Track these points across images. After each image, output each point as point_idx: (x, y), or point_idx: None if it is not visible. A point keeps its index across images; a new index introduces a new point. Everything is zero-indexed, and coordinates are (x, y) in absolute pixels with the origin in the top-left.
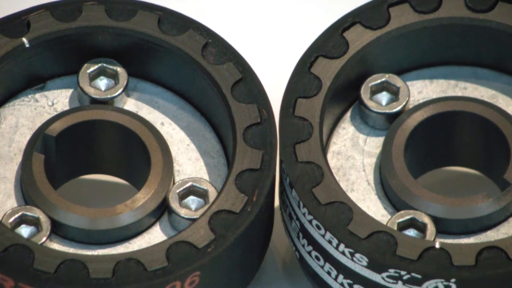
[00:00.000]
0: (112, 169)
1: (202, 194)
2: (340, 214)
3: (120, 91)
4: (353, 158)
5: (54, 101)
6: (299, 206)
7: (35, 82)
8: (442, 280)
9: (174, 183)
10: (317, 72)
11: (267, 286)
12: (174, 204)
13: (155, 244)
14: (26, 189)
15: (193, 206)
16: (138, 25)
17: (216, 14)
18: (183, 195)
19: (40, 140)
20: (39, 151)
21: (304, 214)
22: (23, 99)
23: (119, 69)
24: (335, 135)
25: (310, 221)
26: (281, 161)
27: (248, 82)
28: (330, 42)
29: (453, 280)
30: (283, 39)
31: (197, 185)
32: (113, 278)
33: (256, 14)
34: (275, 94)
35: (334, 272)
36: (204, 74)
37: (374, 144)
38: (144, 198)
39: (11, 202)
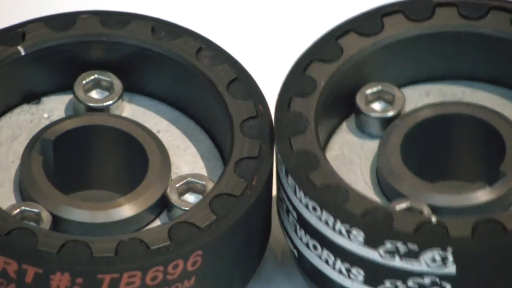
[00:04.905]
0: (110, 182)
1: (200, 190)
2: (336, 194)
3: (115, 98)
4: (350, 163)
5: (50, 114)
6: (295, 193)
7: (31, 98)
8: (439, 250)
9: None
10: (312, 74)
11: (267, 283)
12: (173, 197)
13: (157, 226)
14: (25, 187)
15: (192, 201)
16: (132, 33)
17: (211, 24)
18: (182, 191)
19: (39, 144)
20: (37, 153)
21: (300, 200)
22: (20, 112)
23: (114, 80)
24: (332, 143)
25: (306, 205)
26: (277, 155)
27: (243, 81)
28: (325, 48)
29: (450, 250)
30: (278, 48)
31: (196, 180)
32: (116, 256)
33: (251, 23)
34: (270, 101)
35: (331, 259)
36: (200, 75)
37: (371, 148)
38: (144, 191)
39: (10, 203)
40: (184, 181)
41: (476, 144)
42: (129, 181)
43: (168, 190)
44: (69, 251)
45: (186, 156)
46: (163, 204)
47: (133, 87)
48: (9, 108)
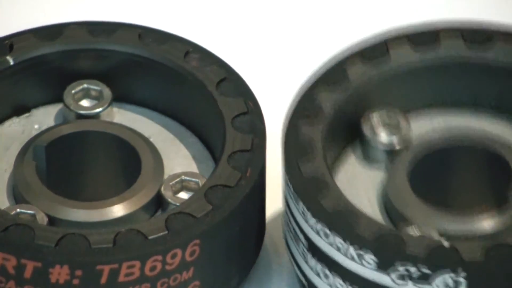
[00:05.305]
0: (104, 187)
1: (194, 188)
2: (348, 219)
3: (105, 105)
4: (356, 191)
5: (41, 125)
6: (306, 219)
7: (21, 111)
8: (452, 274)
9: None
10: (318, 98)
11: (264, 283)
12: (168, 194)
13: (154, 217)
14: (18, 190)
15: (186, 198)
16: (120, 40)
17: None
18: (176, 190)
19: (31, 150)
20: (30, 159)
21: (311, 227)
22: (10, 124)
23: (103, 89)
24: (337, 171)
25: (317, 232)
26: (286, 181)
27: (232, 81)
28: (330, 74)
29: (463, 274)
30: (283, 72)
31: (189, 178)
32: (114, 247)
33: (257, 45)
34: (274, 126)
35: (343, 287)
36: (189, 77)
37: (376, 176)
38: (138, 190)
39: (4, 207)
40: (178, 179)
41: (484, 172)
42: (123, 185)
43: (162, 189)
44: (67, 244)
45: (178, 158)
46: (157, 203)
47: (123, 96)
48: (0, 121)
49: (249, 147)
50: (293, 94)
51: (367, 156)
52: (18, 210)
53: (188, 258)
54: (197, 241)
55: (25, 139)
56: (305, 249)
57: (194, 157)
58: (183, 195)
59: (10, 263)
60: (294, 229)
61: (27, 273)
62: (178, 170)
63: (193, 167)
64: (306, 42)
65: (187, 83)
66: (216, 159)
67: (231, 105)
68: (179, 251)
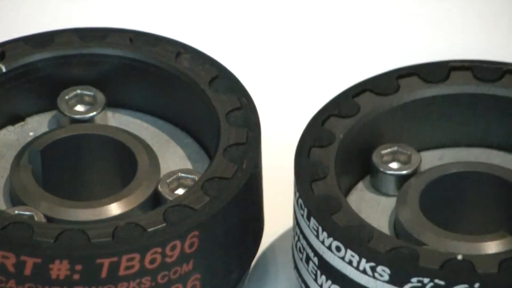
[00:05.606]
0: (101, 189)
1: (191, 185)
2: (360, 233)
3: (99, 110)
4: (367, 218)
5: (35, 132)
6: (317, 235)
7: (15, 120)
8: (466, 286)
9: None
10: (330, 128)
11: (263, 282)
12: (165, 191)
13: (152, 211)
14: (15, 192)
15: None
16: (111, 45)
17: None
18: (173, 187)
19: (27, 155)
20: (26, 162)
21: (323, 242)
22: (5, 133)
23: (96, 94)
24: (348, 200)
25: (329, 246)
26: (297, 200)
27: (225, 78)
28: (341, 104)
29: (477, 285)
30: (279, 70)
31: (186, 175)
32: (113, 240)
33: (249, 48)
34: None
35: None
36: (182, 77)
37: (387, 204)
38: (134, 189)
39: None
40: (175, 176)
41: (496, 198)
42: (120, 185)
43: (159, 186)
44: (66, 239)
45: (174, 159)
46: (155, 202)
47: (116, 102)
48: None
49: (244, 140)
50: (295, 96)
51: (378, 188)
52: (16, 212)
53: (187, 250)
54: (196, 233)
55: (20, 146)
56: (315, 268)
57: (189, 157)
58: (181, 192)
59: (10, 261)
60: (304, 248)
61: (27, 270)
62: (173, 169)
63: (189, 167)
64: (300, 43)
65: (180, 83)
66: (211, 158)
67: (225, 101)
68: (178, 243)
